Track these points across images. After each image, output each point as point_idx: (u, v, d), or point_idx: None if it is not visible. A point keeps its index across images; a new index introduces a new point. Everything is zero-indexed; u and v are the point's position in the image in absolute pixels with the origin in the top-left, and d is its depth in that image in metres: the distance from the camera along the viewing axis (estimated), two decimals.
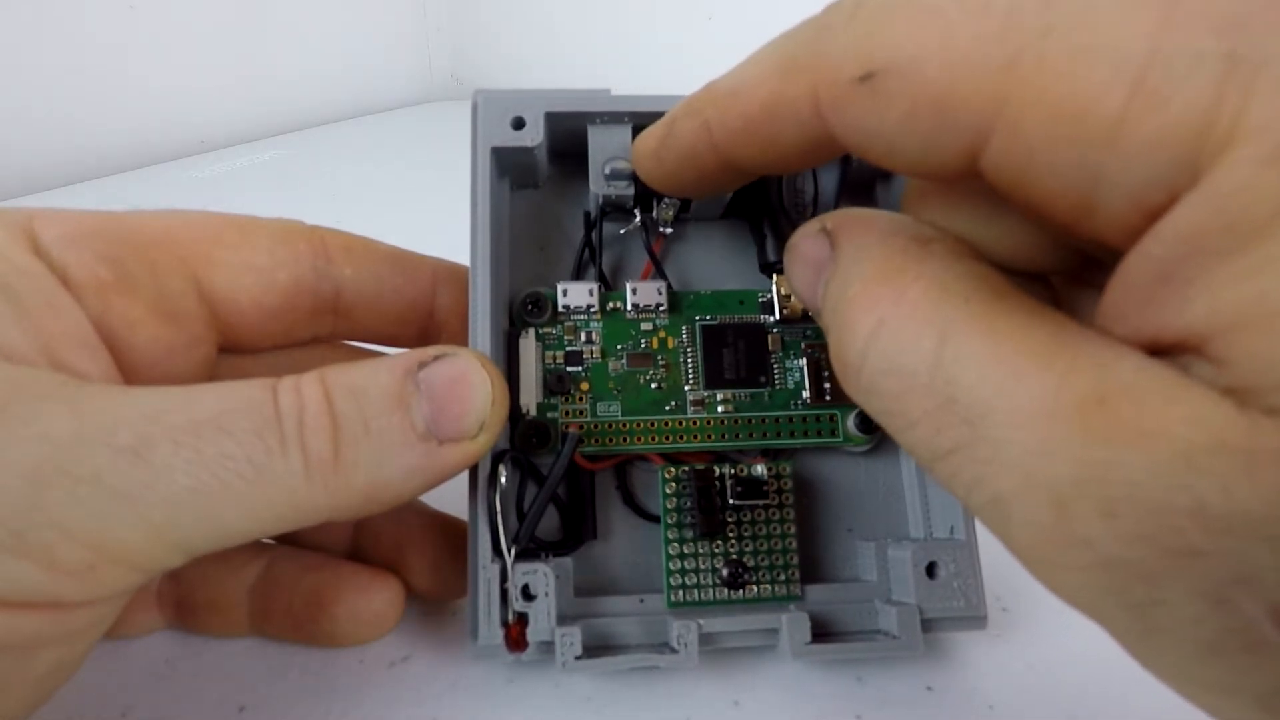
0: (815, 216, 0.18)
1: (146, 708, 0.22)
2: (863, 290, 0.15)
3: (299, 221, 0.24)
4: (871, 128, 0.14)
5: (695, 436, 0.24)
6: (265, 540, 0.24)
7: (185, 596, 0.23)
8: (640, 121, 0.24)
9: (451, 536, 0.24)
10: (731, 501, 0.23)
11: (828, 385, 0.24)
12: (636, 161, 0.21)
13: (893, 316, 0.14)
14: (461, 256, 0.23)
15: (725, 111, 0.17)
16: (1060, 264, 0.16)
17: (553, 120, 0.23)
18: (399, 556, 0.24)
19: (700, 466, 0.23)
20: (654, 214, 0.25)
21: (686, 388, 0.24)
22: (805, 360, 0.25)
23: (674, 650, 0.21)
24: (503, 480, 0.21)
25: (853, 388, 0.16)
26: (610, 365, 0.24)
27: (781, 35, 0.16)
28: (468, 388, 0.19)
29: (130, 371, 0.20)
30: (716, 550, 0.23)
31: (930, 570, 0.22)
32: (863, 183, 0.26)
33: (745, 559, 0.23)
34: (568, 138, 0.24)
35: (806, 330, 0.25)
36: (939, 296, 0.14)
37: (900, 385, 0.14)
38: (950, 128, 0.13)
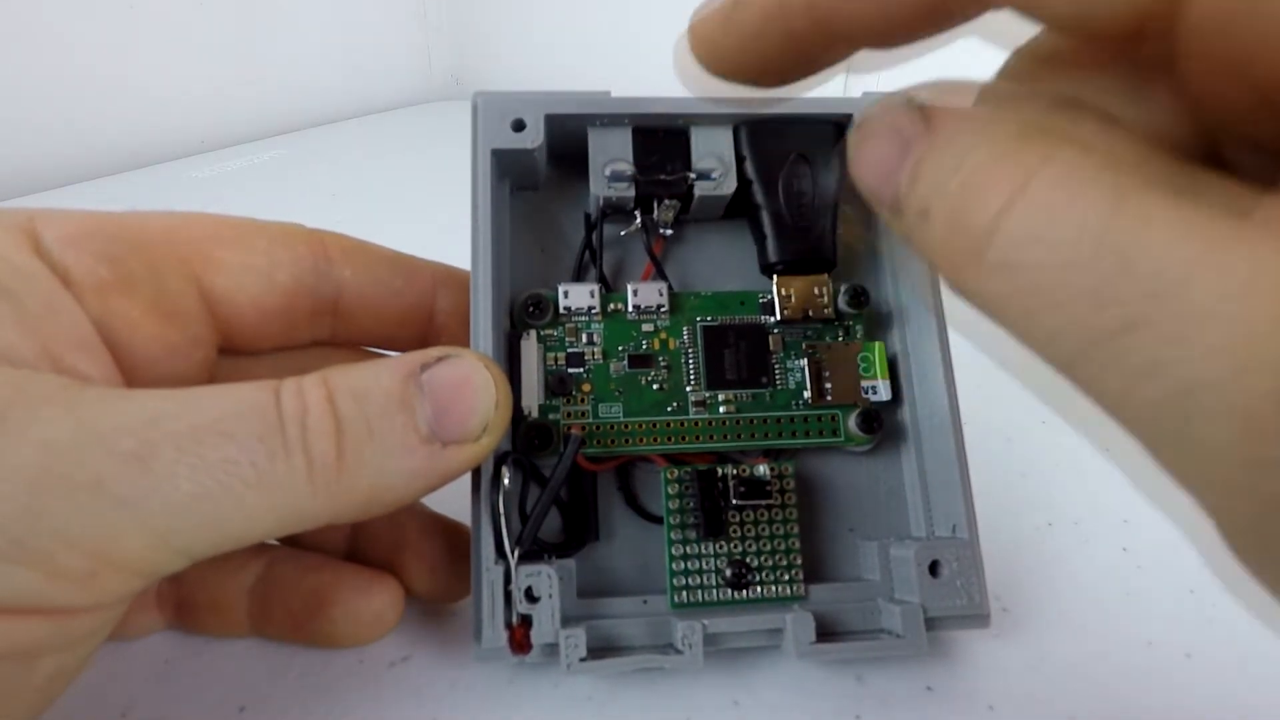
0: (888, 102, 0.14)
1: (146, 708, 0.22)
2: (996, 153, 0.12)
3: (299, 224, 0.24)
4: None
5: (697, 437, 0.24)
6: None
7: (185, 597, 0.23)
8: (640, 124, 0.24)
9: (450, 539, 0.24)
10: (734, 501, 0.23)
11: (828, 385, 0.24)
12: (696, 30, 0.17)
13: (1043, 177, 0.12)
14: (461, 257, 0.23)
15: None
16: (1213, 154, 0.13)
17: (552, 122, 0.23)
18: (397, 558, 0.24)
19: (703, 467, 0.23)
20: (654, 215, 0.25)
21: (688, 389, 0.24)
22: (806, 360, 0.25)
23: (679, 651, 0.21)
24: (505, 482, 0.21)
25: (970, 269, 0.13)
26: (612, 366, 0.24)
27: None
28: (471, 389, 0.19)
29: (130, 372, 0.20)
30: (720, 551, 0.23)
31: (933, 569, 0.22)
32: None
33: (748, 559, 0.23)
34: (567, 139, 0.24)
35: (807, 331, 0.25)
36: (1102, 161, 0.12)
37: (1051, 256, 0.11)
38: None
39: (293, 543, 0.24)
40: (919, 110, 0.14)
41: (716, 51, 0.17)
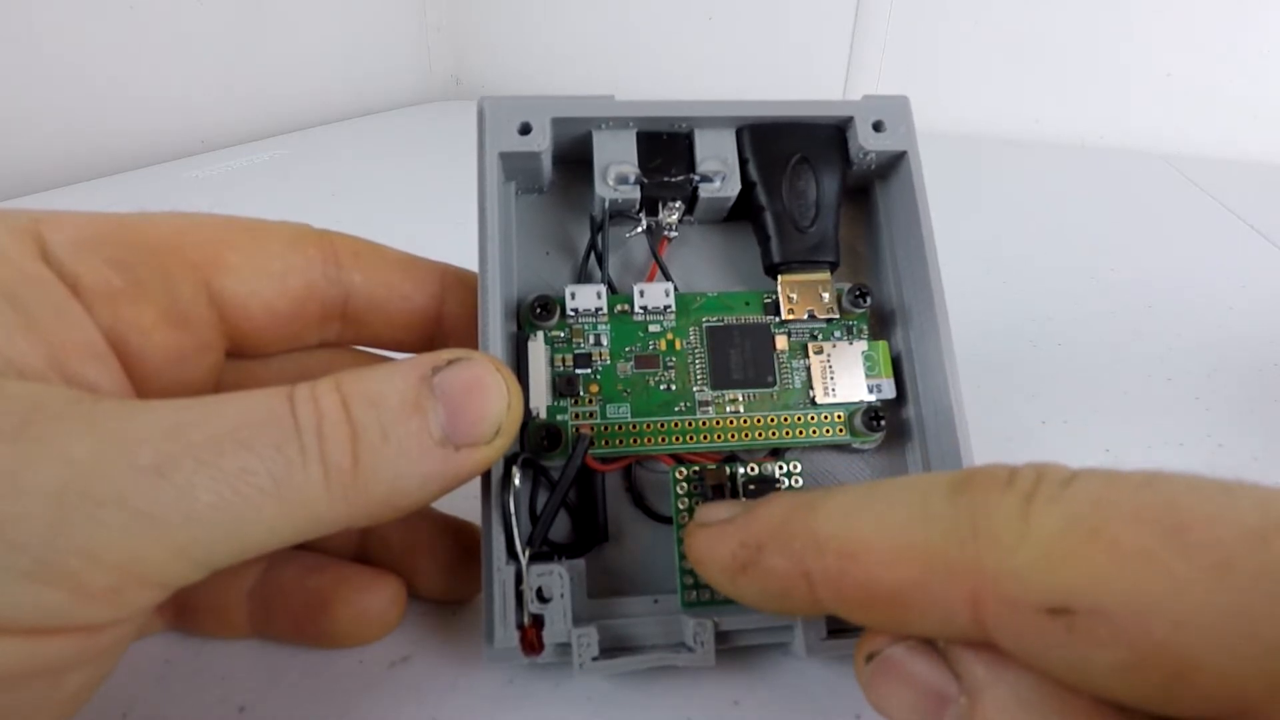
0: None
1: (146, 708, 0.22)
2: None
3: (308, 225, 0.23)
4: (1064, 660, 0.13)
5: (705, 437, 0.24)
6: None
7: (185, 599, 0.23)
8: (644, 128, 0.24)
9: (461, 539, 0.24)
10: (744, 499, 0.23)
11: (834, 384, 0.25)
12: (703, 571, 0.19)
13: None
14: (461, 255, 0.23)
15: (838, 574, 0.16)
16: None
17: (558, 125, 0.23)
18: (409, 560, 0.24)
19: (711, 466, 0.23)
20: (659, 217, 0.25)
21: (695, 389, 0.24)
22: (811, 360, 0.25)
23: (690, 649, 0.21)
24: (516, 482, 0.21)
25: None
26: (619, 367, 0.24)
27: (904, 493, 0.15)
28: (483, 392, 0.18)
29: (139, 380, 0.20)
30: None
31: None
32: (861, 184, 0.27)
33: None
34: (571, 143, 0.24)
35: (811, 330, 0.25)
36: None
37: None
38: (1194, 695, 0.11)
39: (297, 545, 0.24)
40: (941, 659, 0.15)
41: (724, 591, 0.19)
